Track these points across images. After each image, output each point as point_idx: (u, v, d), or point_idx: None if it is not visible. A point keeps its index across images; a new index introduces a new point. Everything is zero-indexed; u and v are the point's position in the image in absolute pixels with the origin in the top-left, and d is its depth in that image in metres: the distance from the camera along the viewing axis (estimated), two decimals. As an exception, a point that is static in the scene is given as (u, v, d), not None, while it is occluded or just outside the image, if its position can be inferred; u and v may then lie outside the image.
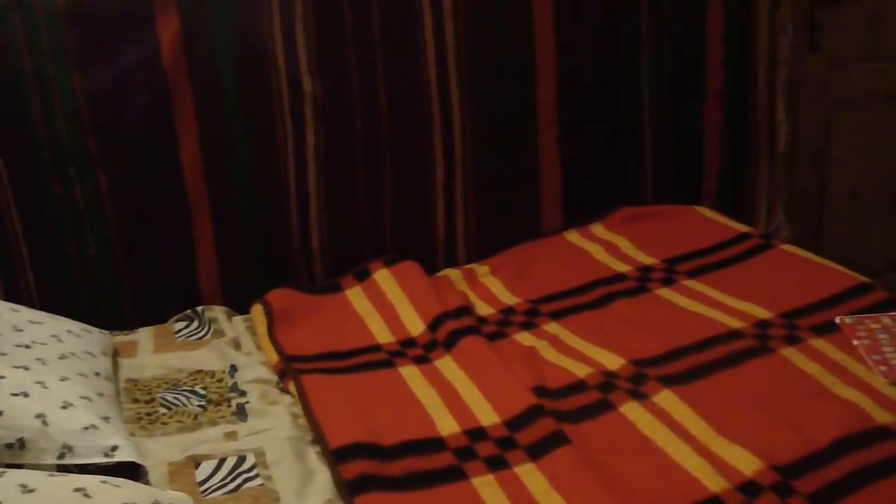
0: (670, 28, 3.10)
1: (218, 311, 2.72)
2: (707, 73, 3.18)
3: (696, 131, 3.23)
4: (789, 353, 2.26)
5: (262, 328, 2.56)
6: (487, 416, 2.09)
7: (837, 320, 2.39)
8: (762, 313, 2.44)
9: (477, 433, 2.04)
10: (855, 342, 2.29)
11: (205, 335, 2.60)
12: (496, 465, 1.93)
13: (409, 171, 2.90)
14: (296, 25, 2.67)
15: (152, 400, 2.29)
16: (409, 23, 2.78)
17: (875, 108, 3.65)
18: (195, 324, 2.66)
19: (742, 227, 2.95)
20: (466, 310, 2.55)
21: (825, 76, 3.51)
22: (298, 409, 2.19)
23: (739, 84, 3.24)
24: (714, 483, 1.83)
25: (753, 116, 3.30)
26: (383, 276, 2.73)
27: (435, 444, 2.01)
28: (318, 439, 2.05)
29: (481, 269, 2.86)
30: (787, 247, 2.82)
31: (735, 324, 2.39)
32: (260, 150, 2.76)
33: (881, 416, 2.02)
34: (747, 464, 1.88)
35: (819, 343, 2.30)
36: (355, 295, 2.71)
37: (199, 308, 2.72)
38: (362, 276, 2.77)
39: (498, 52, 2.90)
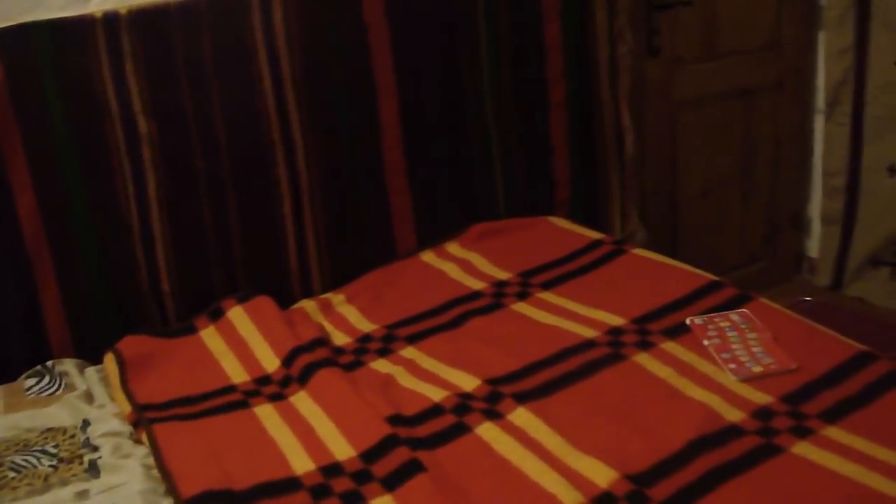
0: (509, 41, 3.11)
1: (69, 364, 2.63)
2: (549, 84, 3.20)
3: (544, 142, 3.25)
4: (642, 358, 2.28)
5: (114, 378, 2.48)
6: (342, 450, 2.05)
7: (688, 321, 2.41)
8: (615, 320, 2.45)
9: (332, 469, 1.99)
10: (705, 342, 2.32)
11: (56, 390, 2.51)
12: (351, 500, 1.89)
13: (255, 204, 2.85)
14: (125, 66, 2.61)
15: (0, 465, 2.20)
16: (242, 54, 2.73)
17: (716, 107, 3.73)
18: (46, 379, 2.57)
19: (595, 235, 2.98)
20: (321, 341, 2.51)
21: (667, 79, 3.57)
22: (152, 461, 2.13)
23: (583, 92, 3.27)
24: (570, 498, 1.82)
25: (599, 123, 3.34)
26: (237, 314, 2.67)
27: (289, 484, 1.96)
28: (171, 490, 1.99)
29: (337, 298, 2.82)
30: (639, 251, 2.85)
31: (588, 333, 2.40)
32: (99, 196, 2.68)
33: (732, 415, 2.04)
34: (602, 475, 1.87)
35: (670, 346, 2.32)
36: (209, 335, 2.65)
37: (50, 363, 2.63)
38: (216, 315, 2.71)
39: (336, 77, 2.86)
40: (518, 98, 3.17)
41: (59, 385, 2.53)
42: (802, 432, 1.97)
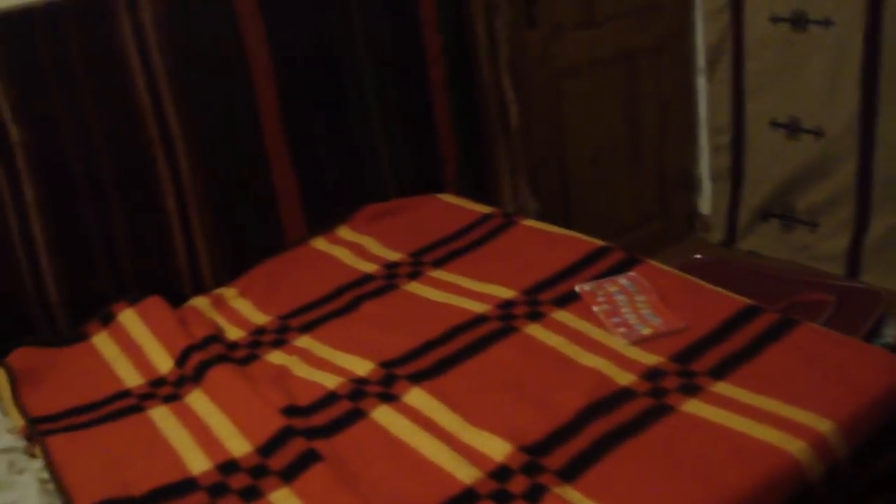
0: (384, 22, 3.09)
1: (-41, 383, 2.58)
2: (428, 63, 3.18)
3: (428, 121, 3.24)
4: (533, 329, 2.29)
5: (5, 393, 2.42)
6: (239, 446, 2.03)
7: (577, 289, 2.43)
8: (506, 293, 2.46)
9: (229, 466, 1.98)
10: (595, 308, 2.34)
11: (-53, 411, 2.46)
12: (250, 495, 1.88)
13: (139, 204, 2.78)
14: (-9, 73, 2.54)
15: None
16: (113, 55, 2.66)
17: (599, 72, 3.75)
18: (-63, 399, 2.51)
19: (485, 209, 2.98)
20: (215, 338, 2.47)
21: (547, 48, 3.58)
22: (47, 474, 2.09)
23: (463, 68, 3.27)
24: (466, 475, 1.84)
25: (483, 98, 3.34)
26: (128, 317, 2.63)
27: (187, 485, 1.94)
28: (67, 502, 1.96)
29: (229, 293, 2.78)
30: (528, 222, 2.86)
31: (480, 308, 2.41)
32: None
33: (623, 378, 2.07)
34: (497, 449, 1.89)
35: (561, 315, 2.34)
36: (101, 340, 2.60)
37: (-61, 382, 2.57)
38: (107, 319, 2.66)
39: (210, 69, 2.81)
40: (398, 78, 3.15)
41: (-50, 404, 2.47)
42: (691, 390, 2.01)
